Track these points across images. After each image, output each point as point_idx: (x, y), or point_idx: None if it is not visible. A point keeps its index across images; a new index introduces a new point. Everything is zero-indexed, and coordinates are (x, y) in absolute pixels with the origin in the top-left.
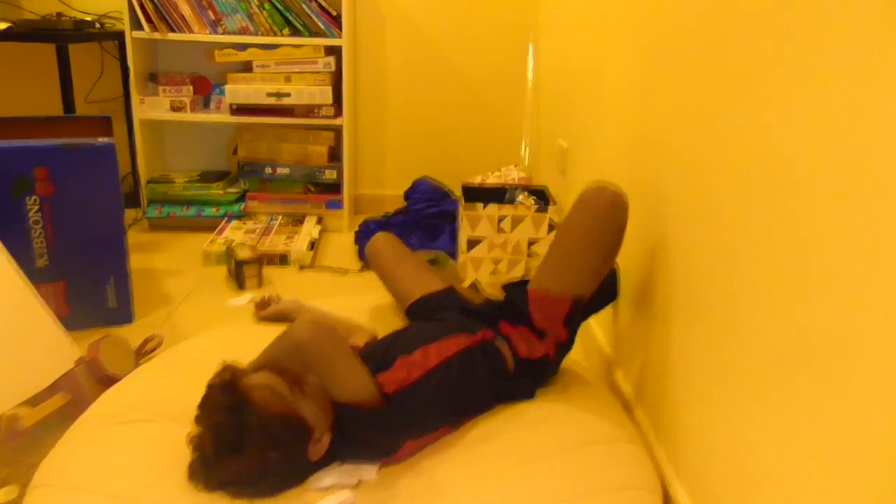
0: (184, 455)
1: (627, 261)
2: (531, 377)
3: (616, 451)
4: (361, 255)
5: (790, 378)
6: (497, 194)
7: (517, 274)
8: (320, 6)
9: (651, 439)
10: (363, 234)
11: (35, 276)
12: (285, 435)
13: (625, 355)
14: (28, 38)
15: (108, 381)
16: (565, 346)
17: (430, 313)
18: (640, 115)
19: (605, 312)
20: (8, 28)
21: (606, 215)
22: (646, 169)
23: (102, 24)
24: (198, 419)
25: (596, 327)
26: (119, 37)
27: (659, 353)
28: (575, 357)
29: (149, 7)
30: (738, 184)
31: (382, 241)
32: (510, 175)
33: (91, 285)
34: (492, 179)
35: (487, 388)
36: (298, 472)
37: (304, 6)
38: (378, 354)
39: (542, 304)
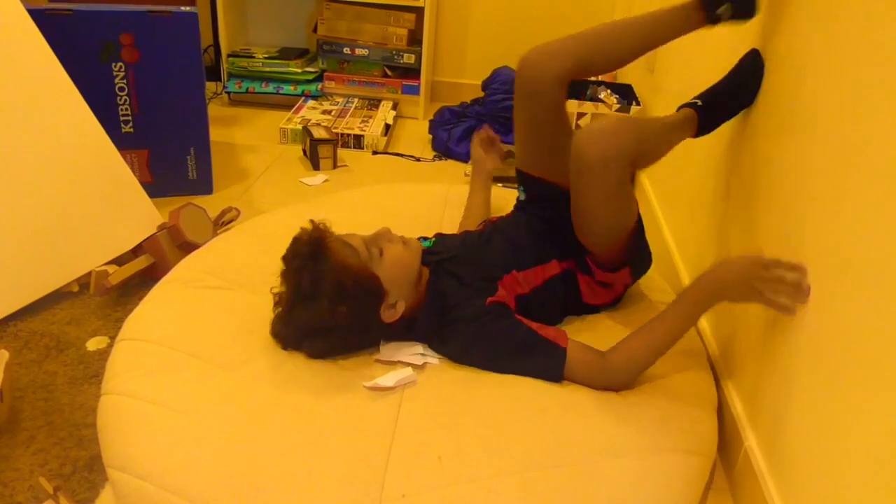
0: (255, 320)
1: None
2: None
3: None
4: (435, 144)
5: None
6: (578, 90)
7: None
8: None
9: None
10: (438, 123)
11: (120, 142)
12: (356, 291)
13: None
14: None
15: (187, 247)
16: (633, 276)
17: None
18: None
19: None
20: None
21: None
22: None
23: None
24: (282, 272)
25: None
26: None
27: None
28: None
29: None
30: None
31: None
32: None
33: (173, 155)
34: None
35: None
36: (368, 331)
37: None
38: (464, 260)
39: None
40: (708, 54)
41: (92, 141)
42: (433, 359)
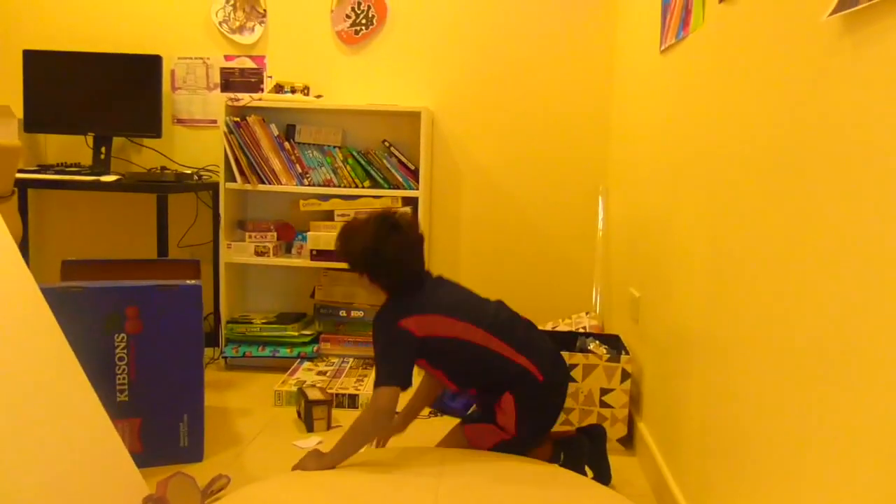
0: None
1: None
2: None
3: None
4: (432, 402)
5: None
6: (568, 341)
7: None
8: (399, 161)
9: None
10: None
11: (114, 410)
12: None
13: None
14: (134, 188)
15: None
16: None
17: None
18: (711, 263)
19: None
20: (117, 180)
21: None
22: (718, 318)
23: (200, 177)
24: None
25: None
26: (214, 188)
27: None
28: None
29: (243, 162)
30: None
31: None
32: (581, 322)
33: (166, 423)
34: (563, 326)
35: None
36: None
37: (384, 161)
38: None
39: None
40: (686, 301)
41: (85, 414)
42: None
